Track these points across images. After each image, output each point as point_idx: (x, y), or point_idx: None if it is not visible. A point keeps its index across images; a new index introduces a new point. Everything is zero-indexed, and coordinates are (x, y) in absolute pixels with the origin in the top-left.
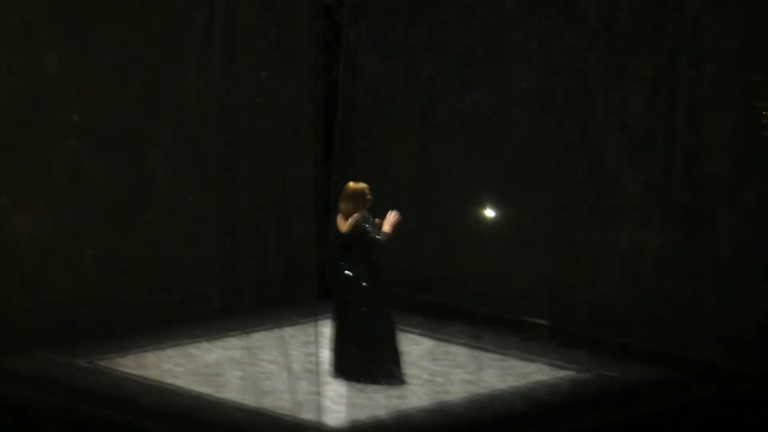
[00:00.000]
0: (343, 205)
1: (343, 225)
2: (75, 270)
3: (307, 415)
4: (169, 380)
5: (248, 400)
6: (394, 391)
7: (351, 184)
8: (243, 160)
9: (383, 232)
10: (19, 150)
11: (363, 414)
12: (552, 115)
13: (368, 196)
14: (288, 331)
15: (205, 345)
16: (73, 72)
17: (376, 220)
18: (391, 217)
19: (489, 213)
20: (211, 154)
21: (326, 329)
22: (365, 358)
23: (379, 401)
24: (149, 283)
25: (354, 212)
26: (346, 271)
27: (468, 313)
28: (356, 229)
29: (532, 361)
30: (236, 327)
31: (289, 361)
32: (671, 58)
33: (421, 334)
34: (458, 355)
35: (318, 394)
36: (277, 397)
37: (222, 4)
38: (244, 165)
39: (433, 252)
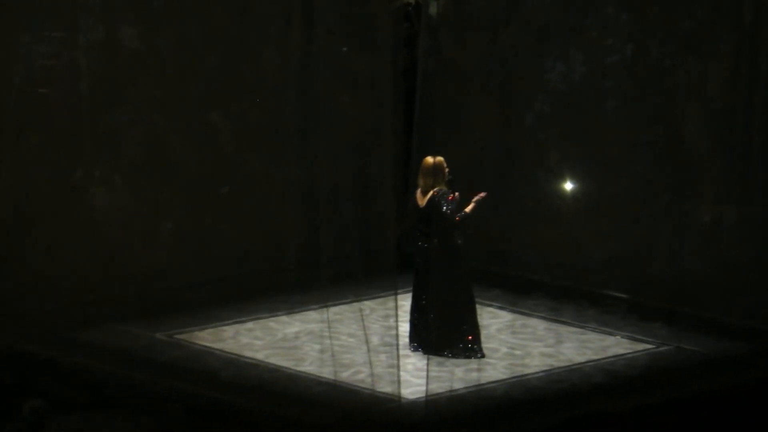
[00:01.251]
0: (421, 180)
1: (422, 199)
2: (153, 244)
3: (386, 388)
4: (247, 354)
5: (327, 373)
6: (472, 365)
7: (428, 158)
8: (323, 133)
9: (462, 212)
10: (97, 125)
11: (441, 387)
12: (631, 90)
13: (446, 170)
14: (367, 304)
15: (284, 318)
16: (151, 47)
17: (455, 194)
18: (477, 197)
19: (568, 186)
20: (290, 128)
21: (405, 303)
22: (444, 332)
23: (458, 374)
24: (227, 256)
25: (432, 187)
26: (424, 245)
27: (547, 286)
28: (432, 203)
29: (610, 334)
30: (315, 300)
31: (368, 334)
32: (753, 32)
33: (500, 308)
34: (537, 328)
35: (397, 367)
36: (356, 370)
37: None
38: (324, 139)
39: (512, 225)
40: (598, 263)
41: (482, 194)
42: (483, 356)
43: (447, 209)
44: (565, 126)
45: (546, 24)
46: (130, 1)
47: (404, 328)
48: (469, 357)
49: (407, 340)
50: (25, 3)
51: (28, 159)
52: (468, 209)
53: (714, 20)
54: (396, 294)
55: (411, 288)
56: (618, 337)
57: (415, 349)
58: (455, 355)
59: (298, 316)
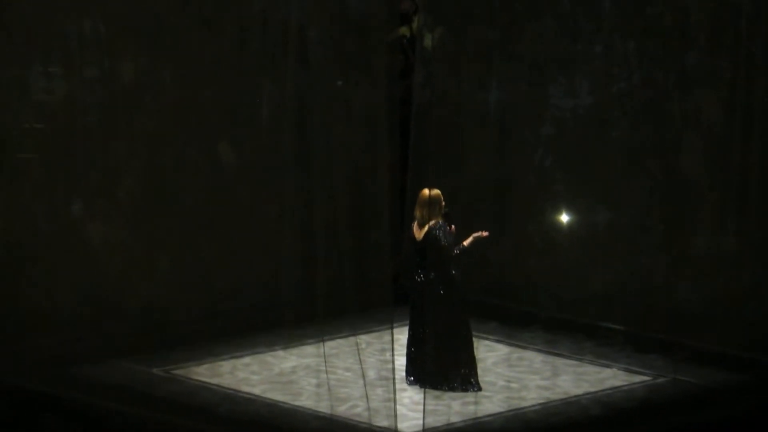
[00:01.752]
0: (417, 213)
1: (418, 232)
2: (150, 278)
3: (383, 422)
4: (244, 389)
5: (324, 407)
6: (469, 398)
7: (425, 191)
8: (319, 166)
9: (460, 245)
10: (95, 158)
11: (438, 421)
12: (628, 120)
13: (442, 203)
14: (363, 338)
15: (280, 353)
16: (148, 81)
17: (452, 227)
18: (477, 234)
19: (565, 218)
20: (287, 162)
21: (401, 336)
22: (441, 365)
23: (455, 408)
24: (225, 291)
25: (429, 219)
26: (421, 278)
27: (543, 318)
28: (429, 236)
29: (607, 366)
30: (312, 334)
31: (364, 368)
32: (748, 61)
33: (496, 340)
34: (534, 361)
35: (393, 401)
36: (353, 404)
37: (297, 12)
38: (320, 172)
39: (508, 258)
40: (594, 295)
41: (484, 233)
42: (480, 389)
43: (444, 242)
44: (561, 157)
45: (540, 55)
46: (127, 36)
47: (401, 361)
48: (466, 390)
49: (404, 373)
50: (21, 37)
51: (25, 194)
52: (466, 243)
53: (712, 51)
54: (392, 328)
55: (407, 321)
56: (615, 369)
57: (412, 383)
58: (452, 389)
59: (294, 351)
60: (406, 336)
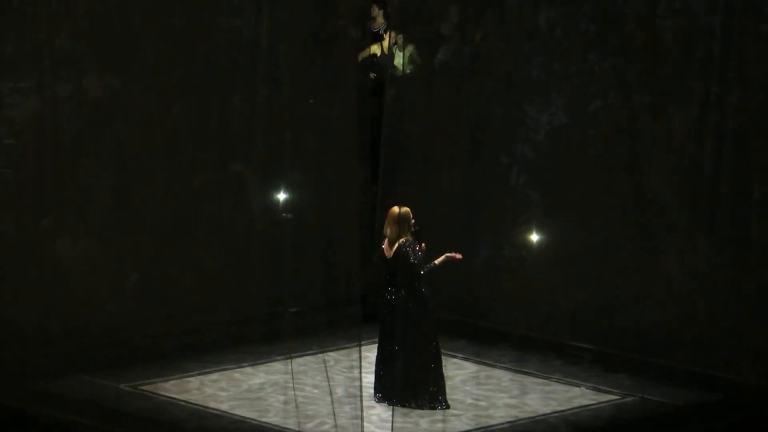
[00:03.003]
0: (387, 230)
1: (388, 250)
2: (119, 293)
3: None
4: (212, 405)
5: (291, 424)
6: (437, 416)
7: (395, 208)
8: (288, 183)
9: (430, 264)
10: (63, 174)
11: None
12: (598, 140)
13: (412, 221)
14: (331, 356)
15: (248, 369)
16: (119, 96)
17: (421, 245)
18: (450, 255)
19: (535, 236)
20: (256, 178)
21: (370, 354)
22: (409, 382)
23: (422, 426)
24: (193, 307)
25: (398, 237)
26: (391, 296)
27: (512, 337)
28: (399, 254)
29: (575, 385)
30: (280, 351)
31: (332, 385)
32: (718, 81)
33: (464, 358)
34: (502, 379)
35: (361, 418)
36: (321, 421)
37: (268, 29)
38: (290, 189)
39: (477, 276)
40: (563, 314)
41: (457, 255)
42: (448, 407)
43: (414, 260)
44: (532, 176)
45: (511, 73)
46: (98, 52)
47: (369, 379)
48: (434, 408)
49: (372, 391)
50: None
51: None
52: (437, 261)
53: (682, 72)
54: (360, 345)
55: (376, 339)
56: (583, 388)
57: (380, 400)
58: (420, 406)
59: (262, 368)
60: (375, 353)
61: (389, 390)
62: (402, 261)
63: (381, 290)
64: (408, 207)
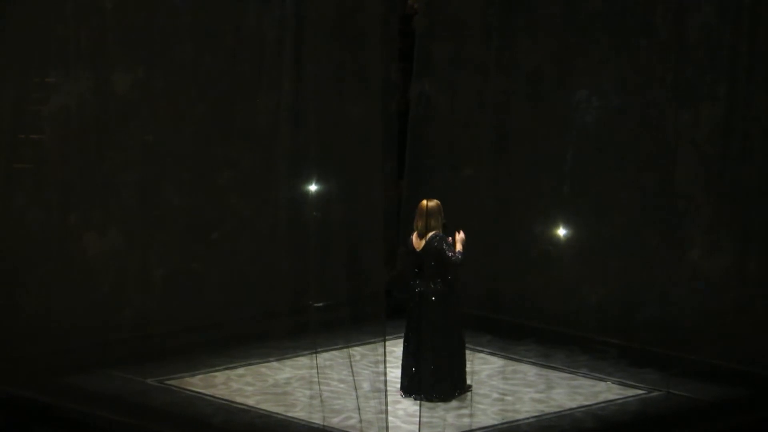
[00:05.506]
0: (418, 223)
1: (418, 243)
2: (145, 289)
3: None
4: (238, 400)
5: (317, 419)
6: (464, 410)
7: (424, 202)
8: (313, 178)
9: (459, 252)
10: (90, 170)
11: None
12: (624, 135)
13: (442, 214)
14: (357, 350)
15: (275, 364)
16: (143, 92)
17: (449, 238)
18: (459, 236)
19: (561, 231)
20: (281, 173)
21: (395, 348)
22: (437, 376)
23: (449, 420)
24: (219, 302)
25: (429, 230)
26: (420, 289)
27: (538, 331)
28: (430, 247)
29: (601, 379)
30: (306, 346)
31: (358, 380)
32: (745, 77)
33: (491, 353)
34: (528, 374)
35: (385, 413)
36: (347, 416)
37: (293, 23)
38: (315, 184)
39: (504, 271)
40: (589, 309)
41: (461, 232)
42: (470, 388)
43: (449, 252)
44: (556, 170)
45: (537, 68)
46: (123, 47)
47: (394, 373)
48: (454, 395)
49: (398, 385)
50: (18, 48)
51: (21, 204)
52: (460, 248)
53: (707, 66)
54: (385, 340)
55: (401, 334)
56: (609, 382)
57: (406, 394)
58: (444, 398)
59: (289, 362)
60: (401, 348)
61: (416, 383)
62: (434, 253)
63: (408, 284)
64: (437, 200)
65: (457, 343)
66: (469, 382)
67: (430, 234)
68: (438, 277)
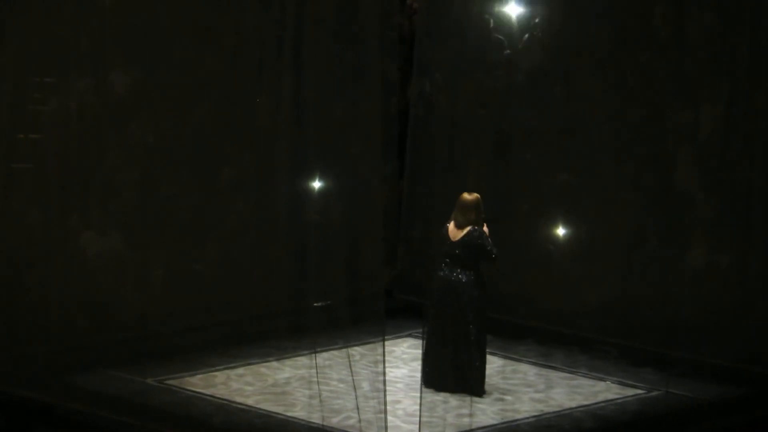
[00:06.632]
0: (460, 216)
1: (456, 233)
2: (144, 289)
3: None
4: (238, 399)
5: (317, 418)
6: (464, 410)
7: (465, 195)
8: (313, 178)
9: (491, 245)
10: (90, 170)
11: None
12: (623, 134)
13: (481, 208)
14: (357, 350)
15: (274, 364)
16: (143, 90)
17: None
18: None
19: (560, 230)
20: (281, 173)
21: (394, 348)
22: (463, 367)
23: (449, 420)
24: (219, 302)
25: (470, 223)
26: (446, 274)
27: (538, 331)
28: (471, 239)
29: (600, 379)
30: (305, 346)
31: (357, 380)
32: (746, 75)
33: (491, 353)
34: (527, 373)
35: (384, 412)
36: (346, 416)
37: (293, 23)
38: (314, 183)
39: (504, 270)
40: (589, 309)
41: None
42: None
43: (489, 247)
44: (556, 171)
45: (536, 67)
46: (122, 46)
47: (394, 373)
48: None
49: (400, 384)
50: (17, 48)
51: (20, 204)
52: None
53: (708, 65)
54: (384, 340)
55: (400, 334)
56: (608, 382)
57: (428, 385)
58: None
59: (288, 362)
60: (399, 348)
61: (441, 375)
62: (474, 246)
63: (441, 273)
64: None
65: (483, 335)
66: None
67: (470, 227)
68: (470, 269)
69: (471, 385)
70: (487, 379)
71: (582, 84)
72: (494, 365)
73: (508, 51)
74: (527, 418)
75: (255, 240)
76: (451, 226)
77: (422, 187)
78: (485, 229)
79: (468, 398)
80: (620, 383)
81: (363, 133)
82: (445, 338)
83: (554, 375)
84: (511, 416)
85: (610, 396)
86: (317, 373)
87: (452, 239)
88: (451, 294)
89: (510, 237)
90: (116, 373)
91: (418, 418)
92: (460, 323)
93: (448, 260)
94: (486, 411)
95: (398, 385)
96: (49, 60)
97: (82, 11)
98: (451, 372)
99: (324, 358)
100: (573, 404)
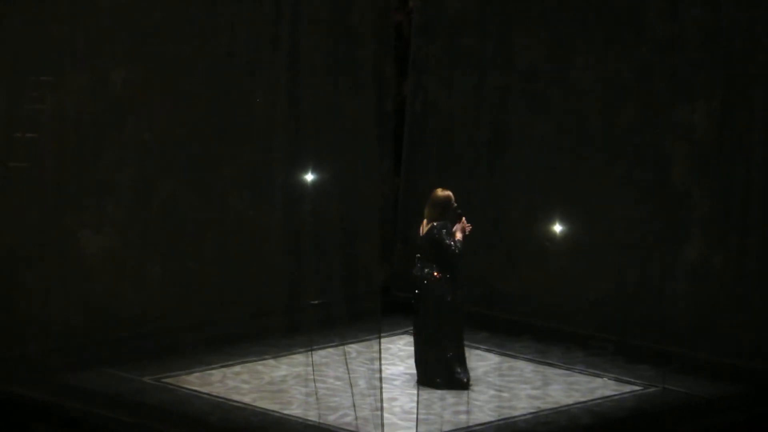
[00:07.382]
0: (427, 211)
1: (424, 229)
2: (141, 287)
3: (372, 431)
4: (235, 397)
5: (313, 416)
6: (460, 407)
7: (438, 191)
8: (308, 176)
9: (457, 241)
10: (87, 168)
11: (430, 430)
12: (620, 129)
13: (454, 205)
14: (353, 348)
15: (271, 362)
16: (140, 89)
17: (462, 219)
18: (459, 226)
19: (556, 227)
20: (277, 170)
21: (391, 345)
22: (441, 363)
23: (445, 417)
24: (215, 300)
25: (434, 219)
26: (419, 273)
27: (534, 328)
28: (430, 235)
29: (597, 376)
30: (302, 344)
31: (354, 377)
32: (741, 71)
33: (487, 350)
34: (524, 370)
35: (380, 409)
36: (343, 413)
37: (289, 21)
38: (310, 181)
39: (499, 267)
40: (586, 305)
41: (467, 225)
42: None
43: (448, 241)
44: (552, 167)
45: (532, 65)
46: (118, 44)
47: (390, 370)
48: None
49: (396, 382)
50: (13, 46)
51: (17, 203)
52: (459, 237)
53: (704, 61)
54: (380, 337)
55: (396, 331)
56: (605, 378)
57: (421, 383)
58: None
59: (285, 360)
60: (399, 344)
61: (431, 374)
62: (433, 242)
63: (414, 270)
64: (450, 191)
65: (458, 331)
66: (465, 379)
67: (432, 223)
68: (435, 264)
69: (452, 380)
70: (483, 376)
71: (576, 80)
72: (491, 362)
73: (504, 48)
74: (524, 414)
75: (251, 238)
76: (424, 222)
77: (419, 184)
78: (462, 225)
79: (465, 395)
80: (617, 380)
81: (359, 130)
82: (422, 335)
83: (551, 372)
84: (508, 413)
85: (607, 392)
86: (314, 370)
87: (420, 235)
88: (422, 290)
89: (506, 234)
90: (113, 371)
91: (414, 416)
92: (431, 319)
93: (419, 256)
94: (483, 408)
95: (395, 383)
96: (46, 59)
97: (78, 10)
98: (434, 369)
99: (320, 355)
100: (570, 401)
